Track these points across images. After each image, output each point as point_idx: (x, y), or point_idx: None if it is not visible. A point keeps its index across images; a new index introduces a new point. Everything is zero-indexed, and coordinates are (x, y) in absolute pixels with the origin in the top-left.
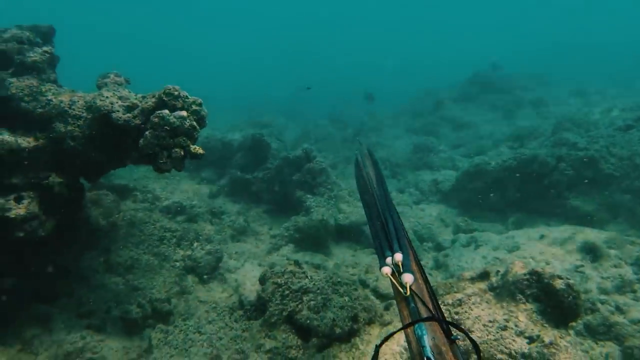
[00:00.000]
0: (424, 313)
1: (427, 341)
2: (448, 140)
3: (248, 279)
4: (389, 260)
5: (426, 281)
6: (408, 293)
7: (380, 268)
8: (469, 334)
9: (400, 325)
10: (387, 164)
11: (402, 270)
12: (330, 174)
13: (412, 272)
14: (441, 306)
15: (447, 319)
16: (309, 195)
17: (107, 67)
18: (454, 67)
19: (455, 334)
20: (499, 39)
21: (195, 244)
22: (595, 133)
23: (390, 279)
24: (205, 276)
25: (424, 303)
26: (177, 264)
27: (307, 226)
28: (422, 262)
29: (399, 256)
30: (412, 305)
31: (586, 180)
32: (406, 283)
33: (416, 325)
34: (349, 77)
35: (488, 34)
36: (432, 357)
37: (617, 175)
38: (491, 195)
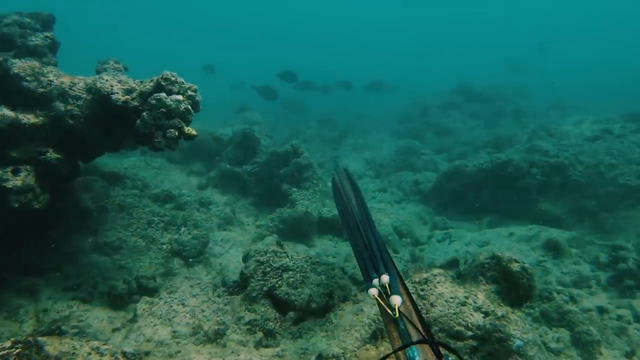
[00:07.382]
0: (414, 334)
1: None
2: (431, 145)
3: (232, 263)
4: (375, 281)
5: (413, 303)
6: (397, 315)
7: (366, 290)
8: (461, 355)
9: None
10: (372, 164)
11: (389, 292)
12: (316, 170)
13: (400, 294)
14: (408, 283)
15: (437, 340)
16: (294, 189)
17: (105, 55)
18: (442, 77)
19: (445, 352)
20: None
21: (183, 229)
22: (565, 142)
23: (378, 301)
24: (190, 259)
25: (413, 325)
26: (164, 246)
27: (291, 217)
28: (399, 255)
29: (385, 278)
30: (402, 327)
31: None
32: (395, 305)
33: (407, 348)
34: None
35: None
36: None
37: (584, 182)
38: (469, 197)
